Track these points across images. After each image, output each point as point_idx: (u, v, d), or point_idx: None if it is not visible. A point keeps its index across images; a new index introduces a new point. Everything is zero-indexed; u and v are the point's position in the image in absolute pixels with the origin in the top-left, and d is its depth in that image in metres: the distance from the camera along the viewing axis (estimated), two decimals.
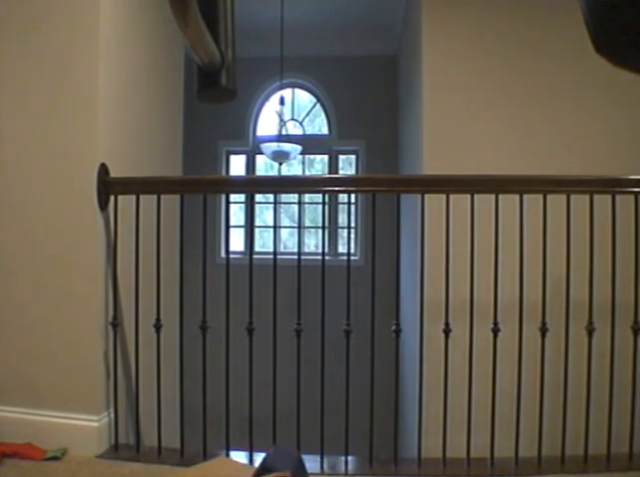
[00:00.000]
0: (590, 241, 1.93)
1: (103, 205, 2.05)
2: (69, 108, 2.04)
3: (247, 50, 4.31)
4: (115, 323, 2.04)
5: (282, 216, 5.33)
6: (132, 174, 2.23)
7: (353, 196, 4.21)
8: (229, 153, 5.34)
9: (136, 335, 2.04)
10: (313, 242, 5.45)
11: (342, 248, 5.14)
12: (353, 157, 5.30)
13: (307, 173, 5.41)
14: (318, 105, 5.31)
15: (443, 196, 1.95)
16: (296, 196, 2.21)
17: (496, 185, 1.96)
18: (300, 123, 5.31)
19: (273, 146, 4.28)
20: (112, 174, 2.09)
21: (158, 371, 2.05)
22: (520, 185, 1.96)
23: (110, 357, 2.06)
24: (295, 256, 2.05)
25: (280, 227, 5.30)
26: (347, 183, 2.26)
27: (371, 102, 5.05)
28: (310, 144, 5.03)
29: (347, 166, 5.38)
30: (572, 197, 1.94)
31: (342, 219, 5.19)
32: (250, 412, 2.01)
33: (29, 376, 2.05)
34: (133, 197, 2.04)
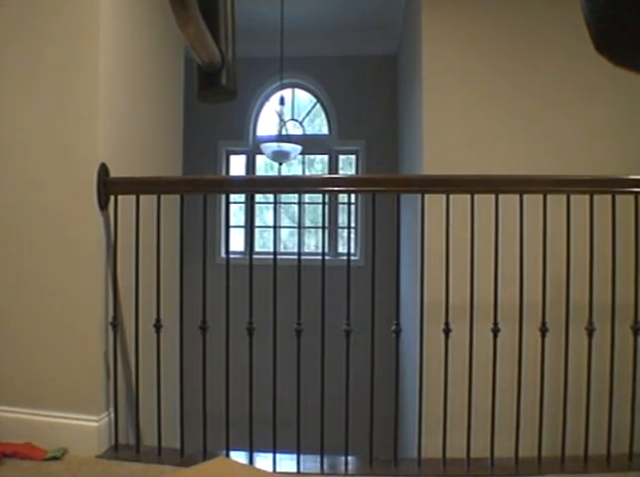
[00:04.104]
0: (590, 242, 1.93)
1: (103, 205, 2.05)
2: (69, 108, 2.04)
3: (247, 50, 4.31)
4: (115, 323, 2.04)
5: (282, 216, 5.33)
6: (132, 174, 2.23)
7: (353, 196, 4.21)
8: (229, 153, 5.33)
9: (136, 335, 2.04)
10: (313, 242, 5.45)
11: (342, 248, 5.14)
12: (353, 157, 5.29)
13: (307, 173, 5.41)
14: (318, 105, 5.31)
15: (443, 196, 1.95)
16: (296, 196, 2.21)
17: (496, 185, 1.96)
18: (300, 123, 5.31)
19: (273, 146, 4.28)
20: (112, 174, 2.09)
21: (158, 371, 2.05)
22: (520, 185, 1.96)
23: (110, 357, 2.06)
24: (295, 256, 2.05)
25: (280, 227, 5.30)
26: (347, 183, 2.26)
27: (371, 102, 5.05)
28: (310, 144, 5.03)
29: (347, 166, 5.38)
30: (572, 197, 1.94)
31: (342, 219, 5.19)
32: (250, 412, 2.01)
33: (29, 376, 2.05)
34: (133, 197, 2.04)
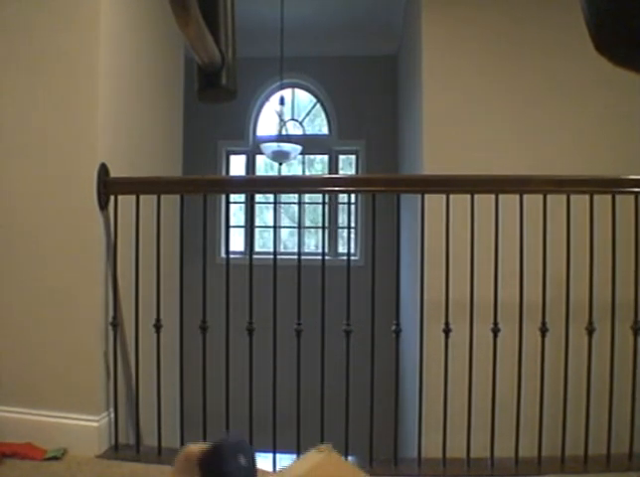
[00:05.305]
0: (590, 241, 1.93)
1: (103, 205, 2.05)
2: (69, 108, 2.04)
3: (247, 50, 4.31)
4: (115, 323, 2.04)
5: (282, 216, 5.33)
6: (132, 174, 2.23)
7: (353, 196, 4.21)
8: (229, 153, 5.34)
9: (136, 335, 2.04)
10: (313, 242, 5.46)
11: (342, 248, 5.14)
12: (353, 157, 5.30)
13: (307, 173, 5.41)
14: (318, 105, 5.31)
15: (443, 196, 1.95)
16: (296, 196, 2.21)
17: (496, 185, 1.96)
18: (300, 123, 5.31)
19: (273, 146, 4.28)
20: (112, 174, 2.09)
21: (158, 371, 2.05)
22: (520, 185, 1.96)
23: (110, 357, 2.06)
24: (295, 256, 2.05)
25: (280, 227, 5.30)
26: (347, 183, 2.26)
27: (371, 102, 5.05)
28: (310, 144, 5.03)
29: (347, 166, 5.39)
30: (572, 197, 1.94)
31: (342, 219, 5.19)
32: (250, 412, 2.01)
33: (29, 376, 2.05)
34: (133, 197, 2.04)
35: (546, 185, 1.95)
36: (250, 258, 2.05)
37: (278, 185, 2.32)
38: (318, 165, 5.52)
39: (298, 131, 5.23)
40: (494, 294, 1.95)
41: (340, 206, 5.14)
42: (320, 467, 0.89)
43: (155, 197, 2.05)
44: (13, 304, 2.08)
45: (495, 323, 1.95)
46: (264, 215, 5.53)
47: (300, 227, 2.56)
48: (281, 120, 4.69)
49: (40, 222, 2.07)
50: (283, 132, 4.58)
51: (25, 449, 1.92)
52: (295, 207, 5.26)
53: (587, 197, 1.91)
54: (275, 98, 4.95)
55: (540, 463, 1.92)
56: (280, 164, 4.71)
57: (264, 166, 5.41)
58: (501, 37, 2.77)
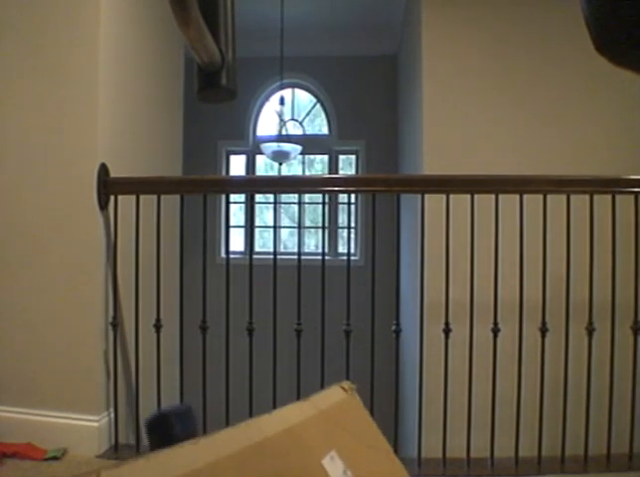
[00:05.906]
0: (590, 241, 1.93)
1: (103, 205, 2.05)
2: (69, 108, 2.04)
3: (247, 50, 4.31)
4: (115, 323, 2.04)
5: (282, 216, 5.33)
6: (132, 174, 2.24)
7: (353, 196, 4.21)
8: (229, 153, 5.34)
9: (136, 335, 2.04)
10: (313, 242, 5.45)
11: (342, 248, 5.14)
12: (353, 157, 5.30)
13: (307, 173, 5.41)
14: (318, 105, 5.31)
15: (443, 196, 1.95)
16: (296, 196, 2.21)
17: (496, 185, 1.96)
18: (300, 123, 5.31)
19: (273, 146, 4.28)
20: (112, 174, 2.09)
21: (158, 371, 2.05)
22: (520, 185, 1.96)
23: (110, 357, 2.06)
24: (295, 256, 2.05)
25: (280, 227, 5.30)
26: (347, 183, 2.26)
27: (371, 102, 5.05)
28: (310, 144, 5.03)
29: (347, 166, 5.38)
30: (572, 197, 1.94)
31: (342, 219, 5.19)
32: (250, 412, 2.01)
33: (29, 376, 2.05)
34: (133, 197, 2.04)
35: (546, 185, 1.95)
36: (250, 258, 2.05)
37: (278, 185, 2.32)
38: (318, 165, 5.51)
39: (298, 131, 5.23)
40: (494, 294, 1.95)
41: (340, 206, 5.14)
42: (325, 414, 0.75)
43: (155, 197, 2.05)
44: (13, 304, 2.08)
45: (495, 323, 1.95)
46: (264, 215, 5.53)
47: (300, 227, 2.56)
48: (281, 120, 4.69)
49: (40, 221, 2.07)
50: (283, 132, 4.58)
51: (25, 449, 1.92)
52: (295, 207, 5.26)
53: (587, 197, 1.91)
54: (275, 98, 4.95)
55: (540, 463, 1.92)
56: (280, 164, 4.71)
57: (264, 166, 5.41)
58: (501, 37, 2.78)
